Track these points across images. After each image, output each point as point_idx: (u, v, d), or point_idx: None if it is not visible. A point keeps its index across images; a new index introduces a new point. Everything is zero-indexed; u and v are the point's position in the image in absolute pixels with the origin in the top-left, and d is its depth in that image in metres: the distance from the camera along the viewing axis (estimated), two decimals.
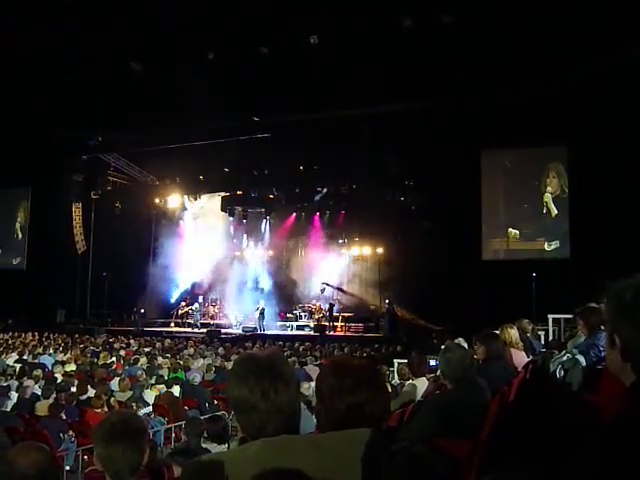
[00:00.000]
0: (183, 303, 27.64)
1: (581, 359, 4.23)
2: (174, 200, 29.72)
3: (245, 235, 30.03)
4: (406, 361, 7.72)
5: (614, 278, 1.53)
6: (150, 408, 9.74)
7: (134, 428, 2.44)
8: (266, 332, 24.43)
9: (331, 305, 25.47)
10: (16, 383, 10.61)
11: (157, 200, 29.70)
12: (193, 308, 27.00)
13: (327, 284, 26.41)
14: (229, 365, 13.46)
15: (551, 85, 19.15)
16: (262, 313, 25.40)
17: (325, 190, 26.83)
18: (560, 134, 20.81)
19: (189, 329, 26.14)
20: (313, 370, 11.80)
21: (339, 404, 1.68)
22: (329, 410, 1.69)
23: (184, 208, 30.31)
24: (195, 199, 30.01)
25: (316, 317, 25.63)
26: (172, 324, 27.66)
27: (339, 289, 26.70)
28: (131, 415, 2.89)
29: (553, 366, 4.37)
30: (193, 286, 29.68)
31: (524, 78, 19.11)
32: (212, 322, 27.59)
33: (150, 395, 10.38)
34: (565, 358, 4.31)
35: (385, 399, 1.81)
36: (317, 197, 27.23)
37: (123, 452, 2.36)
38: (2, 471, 2.20)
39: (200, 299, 28.84)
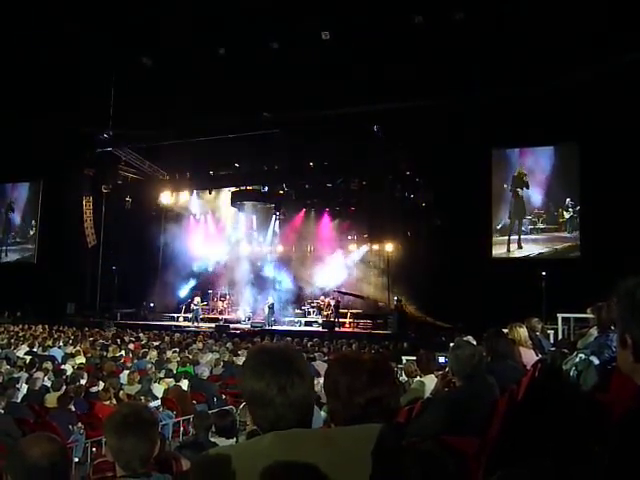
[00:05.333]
0: (198, 298, 27.66)
1: (595, 360, 4.21)
2: (184, 195, 29.81)
3: (254, 230, 30.06)
4: (414, 358, 7.71)
5: (624, 276, 1.52)
6: (158, 401, 9.79)
7: (146, 420, 2.46)
8: (274, 327, 24.47)
9: (337, 302, 25.46)
10: (26, 375, 10.67)
11: (167, 195, 29.78)
12: (195, 303, 27.02)
13: (340, 291, 26.40)
14: (237, 360, 13.49)
15: (562, 83, 19.06)
16: (271, 308, 25.45)
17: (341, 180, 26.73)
18: (571, 132, 20.72)
19: (196, 323, 26.19)
20: (321, 366, 11.80)
21: (359, 399, 1.69)
22: (348, 405, 1.70)
23: (194, 203, 30.37)
24: (205, 194, 30.07)
25: (325, 313, 25.63)
26: (181, 318, 27.74)
27: (351, 294, 26.68)
28: (142, 407, 2.91)
29: (566, 366, 4.35)
30: (202, 281, 29.73)
31: (535, 76, 19.04)
32: (221, 317, 27.64)
33: (159, 389, 10.43)
34: (578, 359, 4.29)
35: (398, 392, 1.84)
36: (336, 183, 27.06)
37: (135, 443, 2.37)
38: (14, 461, 2.21)
39: (209, 294, 28.97)
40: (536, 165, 23.25)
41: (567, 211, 22.42)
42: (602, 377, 3.96)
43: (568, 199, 22.40)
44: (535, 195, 23.20)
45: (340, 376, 1.74)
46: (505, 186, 23.53)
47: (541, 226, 22.94)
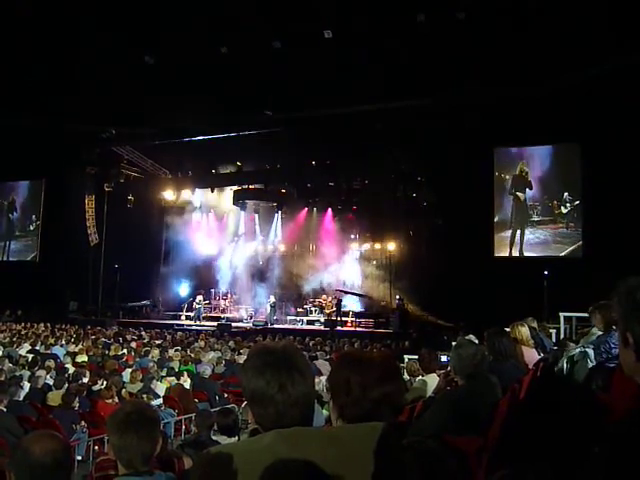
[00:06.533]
0: (200, 297, 27.70)
1: (590, 352, 4.23)
2: (186, 193, 29.84)
3: (256, 229, 30.08)
4: (416, 357, 7.71)
5: (624, 276, 1.53)
6: (160, 400, 9.81)
7: (148, 418, 2.47)
8: (276, 326, 24.49)
9: (339, 300, 25.48)
10: (28, 373, 10.69)
11: (169, 193, 29.81)
12: (197, 301, 27.03)
13: (341, 290, 26.43)
14: (239, 358, 13.51)
15: (565, 82, 19.04)
16: (273, 307, 25.48)
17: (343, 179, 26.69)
18: (573, 132, 20.68)
19: (199, 322, 26.20)
20: (323, 365, 11.82)
21: (372, 394, 1.70)
22: (358, 401, 1.70)
23: (196, 202, 30.40)
24: (207, 193, 30.09)
25: (327, 312, 25.65)
26: (183, 317, 27.76)
27: (353, 293, 26.70)
28: (145, 405, 2.92)
29: (563, 359, 4.38)
30: (204, 280, 29.74)
31: (537, 75, 19.02)
32: (223, 316, 27.66)
33: (161, 387, 10.45)
34: (577, 351, 4.32)
35: (404, 389, 1.86)
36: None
37: (137, 441, 2.39)
38: (17, 458, 2.23)
39: (211, 292, 29.00)
40: (536, 156, 23.20)
41: (565, 206, 22.37)
42: (594, 371, 3.98)
43: (566, 193, 22.35)
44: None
45: (351, 372, 1.75)
46: (507, 177, 23.44)
47: (536, 218, 22.89)
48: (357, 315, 26.09)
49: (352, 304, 26.81)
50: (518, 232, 23.07)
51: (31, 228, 31.62)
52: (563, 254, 22.13)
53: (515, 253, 23.12)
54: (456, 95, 20.14)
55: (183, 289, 29.64)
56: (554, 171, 22.75)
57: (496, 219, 23.36)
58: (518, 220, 23.12)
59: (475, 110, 20.35)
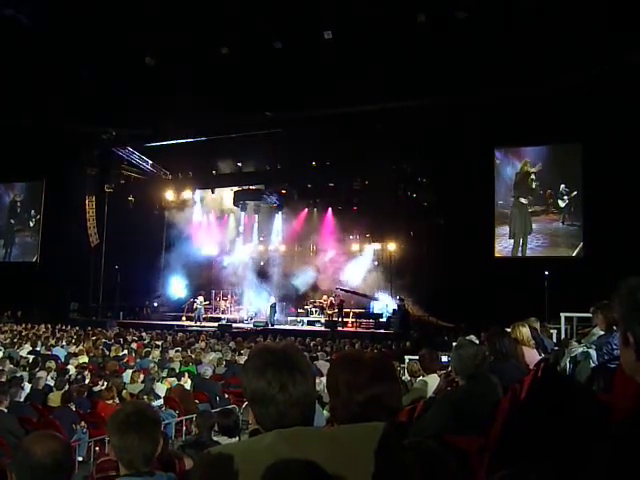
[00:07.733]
0: (201, 298, 27.69)
1: (592, 353, 4.23)
2: (187, 194, 29.85)
3: (257, 230, 30.09)
4: (417, 358, 7.70)
5: (625, 276, 1.52)
6: (161, 401, 9.80)
7: (149, 419, 2.47)
8: (277, 327, 24.48)
9: (341, 301, 25.48)
10: (28, 374, 10.69)
11: (170, 194, 29.83)
12: (198, 302, 27.01)
13: (341, 289, 26.41)
14: (240, 359, 13.50)
15: (565, 82, 19.04)
16: (273, 307, 25.46)
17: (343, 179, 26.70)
18: (574, 132, 20.67)
19: (199, 323, 26.19)
20: (324, 365, 11.79)
21: (357, 397, 1.68)
22: (346, 403, 1.69)
23: (197, 202, 30.41)
24: (208, 193, 30.10)
25: (328, 312, 25.63)
26: (183, 318, 27.75)
27: (353, 292, 26.69)
28: (146, 406, 2.92)
29: (566, 359, 4.38)
30: (205, 280, 29.73)
31: (537, 75, 19.02)
32: (223, 316, 27.64)
33: (161, 388, 10.44)
34: (579, 351, 4.32)
35: (400, 391, 1.84)
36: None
37: (138, 442, 2.38)
38: (18, 459, 2.22)
39: (212, 293, 29.00)
40: (534, 152, 23.21)
41: (562, 199, 22.32)
42: (596, 372, 3.98)
43: (562, 185, 22.29)
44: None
45: (340, 374, 1.74)
46: (503, 161, 23.39)
47: (530, 209, 22.86)
48: (358, 315, 26.08)
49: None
50: (520, 241, 23.01)
51: (31, 224, 31.61)
52: (574, 254, 22.03)
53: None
54: (456, 95, 20.15)
55: (184, 290, 29.61)
56: (550, 163, 22.73)
57: (495, 212, 23.34)
58: (520, 228, 23.06)
59: (475, 110, 20.36)
